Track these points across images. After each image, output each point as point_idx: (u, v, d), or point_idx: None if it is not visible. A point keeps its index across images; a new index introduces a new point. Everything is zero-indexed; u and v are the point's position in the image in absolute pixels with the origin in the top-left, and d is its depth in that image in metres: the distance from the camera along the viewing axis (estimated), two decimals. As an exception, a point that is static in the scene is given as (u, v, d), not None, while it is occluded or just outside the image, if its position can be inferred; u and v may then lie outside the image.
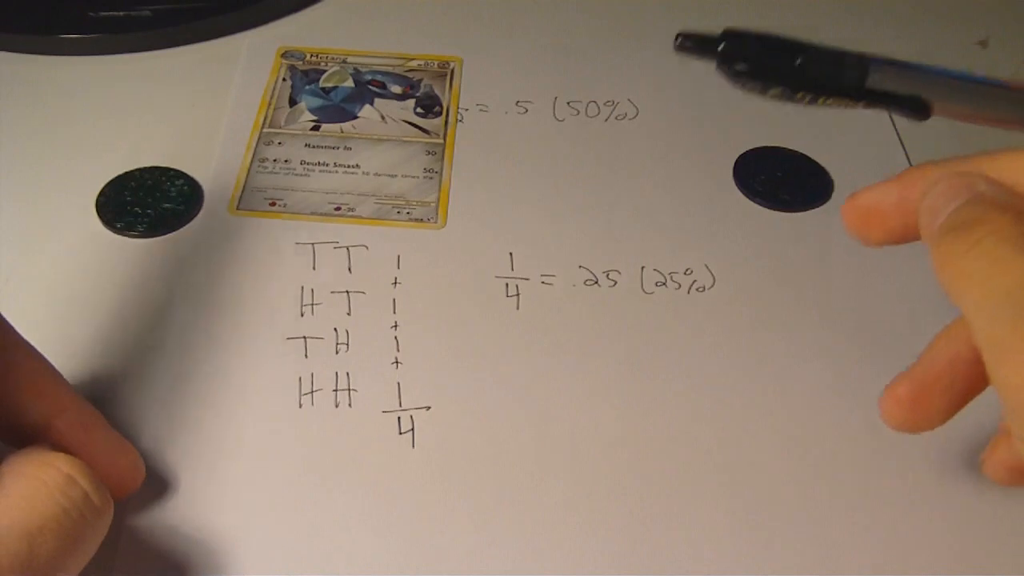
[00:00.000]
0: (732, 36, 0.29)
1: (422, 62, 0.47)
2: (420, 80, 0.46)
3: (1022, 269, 0.23)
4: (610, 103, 0.46)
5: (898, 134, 0.45)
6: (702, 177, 0.43)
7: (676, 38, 0.30)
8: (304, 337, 0.36)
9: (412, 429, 0.33)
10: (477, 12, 0.50)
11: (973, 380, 0.27)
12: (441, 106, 0.45)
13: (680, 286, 0.38)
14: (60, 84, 0.45)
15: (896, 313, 0.37)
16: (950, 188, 0.27)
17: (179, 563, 0.30)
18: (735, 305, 0.38)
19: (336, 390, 0.34)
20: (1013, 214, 0.25)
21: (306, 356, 0.35)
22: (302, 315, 0.36)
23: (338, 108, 0.45)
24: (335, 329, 0.36)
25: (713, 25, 0.51)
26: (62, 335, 0.35)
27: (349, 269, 0.38)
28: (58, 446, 0.28)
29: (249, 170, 0.41)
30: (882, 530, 0.31)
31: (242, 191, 0.41)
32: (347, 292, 0.37)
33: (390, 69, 0.47)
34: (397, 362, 0.35)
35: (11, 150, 0.42)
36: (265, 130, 0.43)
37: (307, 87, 0.45)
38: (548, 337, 0.36)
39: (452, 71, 0.47)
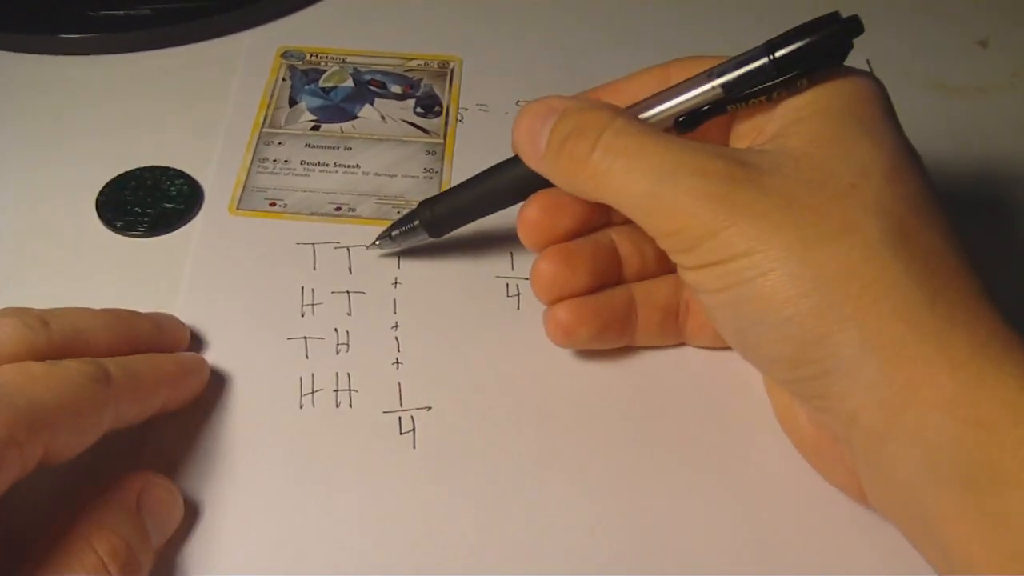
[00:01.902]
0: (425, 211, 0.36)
1: (422, 62, 0.47)
2: (420, 80, 0.46)
3: (652, 150, 0.29)
4: (610, 103, 0.46)
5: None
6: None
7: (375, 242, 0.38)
8: (304, 337, 0.36)
9: (413, 429, 0.33)
10: (477, 12, 0.50)
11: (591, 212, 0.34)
12: (441, 106, 0.45)
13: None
14: (60, 84, 0.45)
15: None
16: (535, 113, 0.32)
17: (178, 563, 0.30)
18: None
19: (337, 390, 0.34)
20: (608, 110, 0.30)
21: (306, 356, 0.35)
22: (302, 315, 0.36)
23: (338, 108, 0.45)
24: (335, 329, 0.36)
25: (712, 25, 0.51)
26: (62, 335, 0.35)
27: (349, 269, 0.38)
28: None
29: (249, 170, 0.41)
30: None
31: (242, 191, 0.41)
32: (347, 292, 0.37)
33: (390, 69, 0.47)
34: (398, 362, 0.35)
35: (11, 149, 0.42)
36: (265, 130, 0.43)
37: (307, 87, 0.45)
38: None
39: (452, 71, 0.47)
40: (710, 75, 0.30)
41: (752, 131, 0.31)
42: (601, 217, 0.34)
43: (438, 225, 0.36)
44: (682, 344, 0.36)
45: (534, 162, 0.32)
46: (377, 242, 0.37)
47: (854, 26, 0.29)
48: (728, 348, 0.34)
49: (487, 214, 0.36)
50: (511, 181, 0.34)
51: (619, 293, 0.34)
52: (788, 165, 0.28)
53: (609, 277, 0.34)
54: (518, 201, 0.34)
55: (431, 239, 0.37)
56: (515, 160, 0.33)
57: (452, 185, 0.39)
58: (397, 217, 0.37)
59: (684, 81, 0.31)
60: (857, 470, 0.28)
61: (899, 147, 0.29)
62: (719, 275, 0.28)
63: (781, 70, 0.29)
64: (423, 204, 0.36)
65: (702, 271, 0.28)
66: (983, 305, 0.26)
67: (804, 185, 0.27)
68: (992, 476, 0.24)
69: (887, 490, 0.27)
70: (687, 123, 0.31)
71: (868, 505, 0.30)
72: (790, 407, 0.32)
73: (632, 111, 0.31)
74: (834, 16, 0.29)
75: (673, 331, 0.35)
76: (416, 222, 0.36)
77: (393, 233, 0.37)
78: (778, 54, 0.29)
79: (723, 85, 0.30)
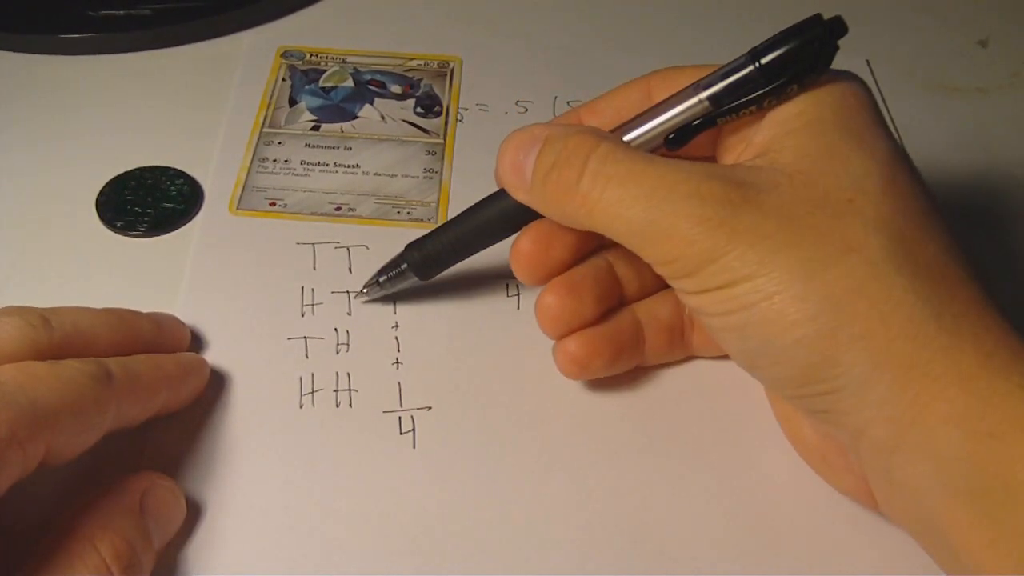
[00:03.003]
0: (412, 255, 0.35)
1: (422, 62, 0.47)
2: (420, 80, 0.46)
3: (643, 174, 0.28)
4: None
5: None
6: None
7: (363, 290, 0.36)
8: (304, 337, 0.36)
9: (413, 429, 0.33)
10: (477, 12, 0.50)
11: (583, 239, 0.33)
12: (441, 106, 0.45)
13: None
14: (60, 83, 0.45)
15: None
16: (518, 144, 0.31)
17: (179, 562, 0.30)
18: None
19: (337, 390, 0.34)
20: (591, 135, 0.30)
21: (307, 356, 0.35)
22: (302, 315, 0.36)
23: (338, 108, 0.45)
24: (335, 329, 0.36)
25: (712, 26, 0.52)
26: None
27: (349, 269, 0.38)
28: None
29: (249, 170, 0.41)
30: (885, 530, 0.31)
31: (242, 191, 0.41)
32: (347, 292, 0.37)
33: (390, 69, 0.47)
34: (398, 362, 0.35)
35: (11, 149, 0.42)
36: (265, 130, 0.43)
37: (307, 87, 0.45)
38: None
39: (452, 71, 0.47)
40: (696, 88, 0.30)
41: (740, 143, 0.30)
42: (594, 242, 0.34)
43: (427, 267, 0.35)
44: (690, 358, 0.36)
45: (521, 194, 0.31)
46: (364, 290, 0.36)
47: (837, 27, 0.28)
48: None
49: (477, 251, 0.34)
50: (500, 215, 0.33)
51: (626, 317, 0.34)
52: (783, 183, 0.27)
53: (612, 301, 0.34)
54: (509, 235, 0.33)
55: (420, 282, 0.35)
56: (501, 193, 0.33)
57: (452, 185, 0.39)
58: (383, 265, 0.36)
59: (671, 97, 0.30)
60: (867, 478, 0.28)
61: (893, 157, 0.28)
62: (722, 300, 0.27)
63: (768, 77, 0.28)
64: (410, 247, 0.35)
65: (704, 296, 0.28)
66: (988, 315, 0.26)
67: (802, 203, 0.27)
68: (1004, 486, 0.24)
69: (897, 499, 0.27)
70: (676, 140, 0.30)
71: (878, 511, 0.30)
72: (794, 418, 0.32)
73: (619, 132, 0.31)
74: (816, 18, 0.28)
75: (680, 347, 0.35)
76: (404, 266, 0.35)
77: (381, 279, 0.36)
78: (763, 61, 0.28)
79: (711, 98, 0.29)
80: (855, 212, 0.27)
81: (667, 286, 0.33)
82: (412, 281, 0.35)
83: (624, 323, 0.34)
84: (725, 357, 0.35)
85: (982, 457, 0.24)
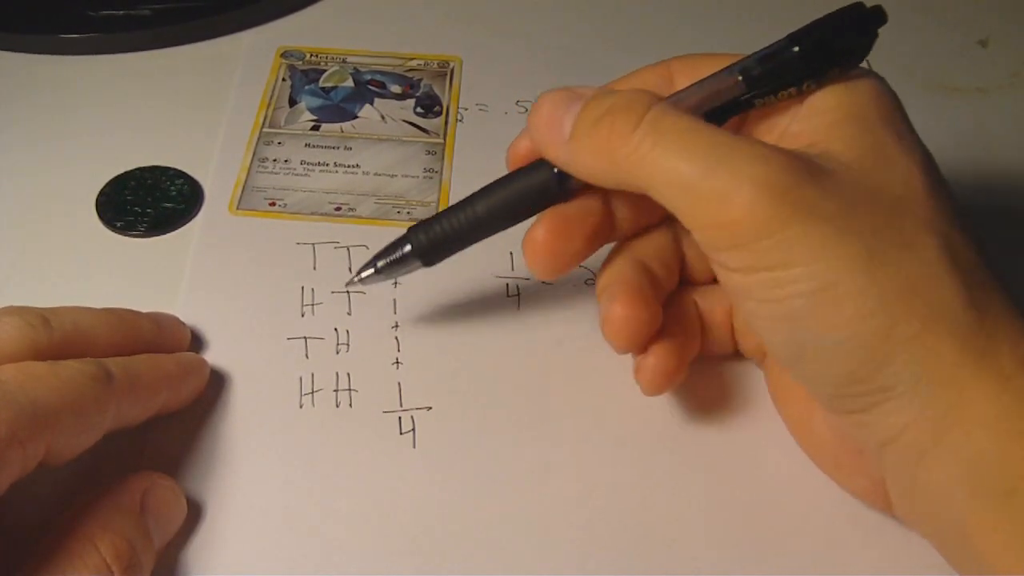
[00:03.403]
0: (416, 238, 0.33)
1: (422, 62, 0.47)
2: (420, 80, 0.46)
3: (704, 132, 0.26)
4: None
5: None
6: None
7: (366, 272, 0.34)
8: (304, 337, 0.36)
9: (413, 429, 0.33)
10: (477, 12, 0.50)
11: (604, 221, 0.31)
12: (441, 106, 0.45)
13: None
14: (60, 83, 0.45)
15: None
16: (558, 99, 0.30)
17: (178, 562, 0.30)
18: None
19: (337, 390, 0.34)
20: (646, 93, 0.28)
21: (307, 356, 0.35)
22: (302, 315, 0.36)
23: (338, 108, 0.45)
24: (335, 329, 0.36)
25: (713, 26, 0.51)
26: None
27: (349, 269, 0.38)
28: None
29: (249, 170, 0.41)
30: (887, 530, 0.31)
31: (242, 191, 0.41)
32: (347, 292, 0.37)
33: (390, 69, 0.47)
34: (398, 362, 0.35)
35: (11, 150, 0.42)
36: (265, 130, 0.43)
37: (307, 87, 0.45)
38: (549, 336, 0.36)
39: (452, 71, 0.47)
40: (734, 69, 0.29)
41: (768, 132, 0.30)
42: (608, 234, 0.32)
43: (434, 252, 0.33)
44: (653, 395, 0.33)
45: (554, 148, 0.30)
46: (358, 278, 0.33)
47: (878, 16, 0.28)
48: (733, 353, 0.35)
49: (488, 235, 0.32)
50: (516, 196, 0.32)
51: (691, 321, 0.33)
52: (839, 170, 0.26)
53: (669, 287, 0.33)
54: (524, 218, 0.32)
55: (423, 267, 0.33)
56: (517, 174, 0.32)
57: (452, 185, 0.39)
58: (380, 248, 0.33)
59: (708, 77, 0.29)
60: (884, 480, 0.28)
61: (929, 160, 0.28)
62: (771, 283, 0.26)
63: (808, 61, 0.28)
64: (414, 229, 0.33)
65: (751, 275, 0.26)
66: (1018, 318, 0.26)
67: (860, 192, 0.26)
68: None
69: (919, 502, 0.26)
70: (710, 120, 0.29)
71: (888, 512, 0.29)
72: (805, 420, 0.31)
73: None
74: (859, 5, 0.28)
75: (732, 343, 0.34)
76: (408, 248, 0.33)
77: (379, 264, 0.33)
78: (804, 45, 0.28)
79: (749, 79, 0.28)
80: (907, 210, 0.26)
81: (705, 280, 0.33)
82: (414, 267, 0.33)
83: (690, 327, 0.32)
84: (731, 357, 0.35)
85: (1015, 457, 0.24)
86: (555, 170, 0.31)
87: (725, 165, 0.26)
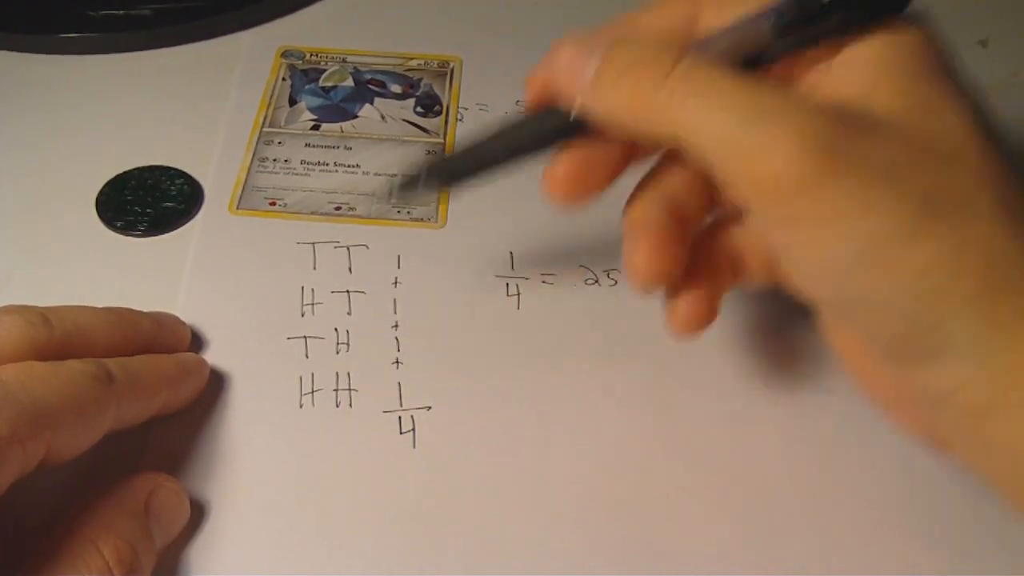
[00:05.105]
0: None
1: (422, 61, 0.47)
2: (420, 79, 0.46)
3: (734, 85, 0.25)
4: (610, 103, 0.46)
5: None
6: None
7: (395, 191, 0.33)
8: (304, 337, 0.36)
9: (413, 429, 0.33)
10: (477, 12, 0.50)
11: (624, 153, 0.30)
12: (441, 105, 0.45)
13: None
14: (60, 83, 0.45)
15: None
16: (579, 44, 0.29)
17: (179, 562, 0.30)
18: (740, 304, 0.38)
19: (337, 390, 0.34)
20: (676, 44, 0.27)
21: (306, 356, 0.35)
22: (302, 315, 0.36)
23: (338, 107, 0.45)
24: (335, 329, 0.36)
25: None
26: (62, 335, 0.35)
27: (349, 269, 0.38)
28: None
29: (249, 170, 0.41)
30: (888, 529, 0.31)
31: (242, 191, 0.41)
32: (347, 292, 0.37)
33: (390, 68, 0.47)
34: (398, 362, 0.35)
35: (11, 149, 0.42)
36: (265, 129, 0.43)
37: (307, 86, 0.45)
38: (548, 337, 0.36)
39: (452, 70, 0.47)
40: (768, 15, 0.27)
41: (806, 82, 0.28)
42: (624, 166, 0.31)
43: (449, 170, 0.32)
44: (686, 340, 0.33)
45: (575, 96, 0.28)
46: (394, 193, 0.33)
47: None
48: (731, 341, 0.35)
49: (505, 162, 0.31)
50: (530, 130, 0.30)
51: (723, 255, 0.31)
52: (885, 123, 0.25)
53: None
54: (538, 151, 0.30)
55: (441, 187, 0.33)
56: (530, 118, 0.30)
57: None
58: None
59: (742, 21, 0.27)
60: (948, 434, 0.27)
61: (980, 110, 0.26)
62: (817, 239, 0.25)
63: (851, 6, 0.26)
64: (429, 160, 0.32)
65: (795, 231, 0.25)
66: None
67: (912, 147, 0.25)
68: None
69: (990, 455, 0.25)
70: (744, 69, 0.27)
71: (945, 454, 0.28)
72: (859, 357, 0.29)
73: None
74: None
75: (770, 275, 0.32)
76: (426, 168, 0.32)
77: (401, 181, 0.32)
78: None
79: (785, 25, 0.26)
80: (961, 163, 0.25)
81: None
82: (433, 184, 0.32)
83: (720, 254, 0.31)
84: (726, 351, 0.35)
85: None
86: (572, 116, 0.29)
87: (766, 117, 0.24)
